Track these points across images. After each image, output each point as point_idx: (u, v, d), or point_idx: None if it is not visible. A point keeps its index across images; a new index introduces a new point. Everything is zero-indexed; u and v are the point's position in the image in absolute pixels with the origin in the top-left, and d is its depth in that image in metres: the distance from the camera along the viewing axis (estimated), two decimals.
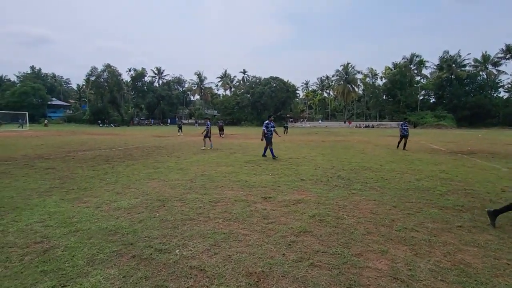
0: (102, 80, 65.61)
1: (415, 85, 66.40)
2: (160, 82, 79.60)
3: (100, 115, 62.04)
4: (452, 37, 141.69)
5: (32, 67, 77.93)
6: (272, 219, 4.13)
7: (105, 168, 8.27)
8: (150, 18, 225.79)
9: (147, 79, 77.02)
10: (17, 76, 76.00)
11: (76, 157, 10.66)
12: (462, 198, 5.36)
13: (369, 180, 6.88)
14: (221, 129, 24.94)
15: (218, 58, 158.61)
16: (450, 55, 62.19)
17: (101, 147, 14.88)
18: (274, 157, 10.42)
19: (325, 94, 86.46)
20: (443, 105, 61.20)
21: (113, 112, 65.87)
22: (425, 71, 68.19)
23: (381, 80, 71.29)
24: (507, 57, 58.03)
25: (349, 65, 70.02)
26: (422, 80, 68.90)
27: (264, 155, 10.97)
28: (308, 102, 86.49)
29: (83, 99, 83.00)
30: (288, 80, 70.32)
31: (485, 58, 60.29)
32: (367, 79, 73.19)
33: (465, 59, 61.56)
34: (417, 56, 66.06)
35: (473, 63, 61.74)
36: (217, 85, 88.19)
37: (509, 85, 62.33)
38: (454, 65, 60.99)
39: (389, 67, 68.73)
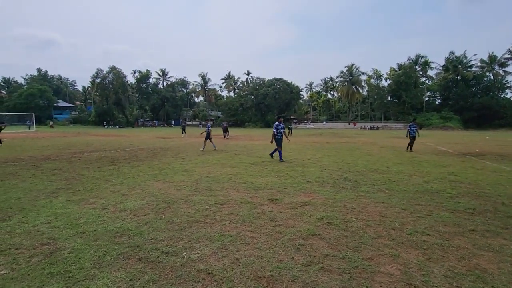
0: (107, 82, 66.27)
1: (420, 86, 65.84)
2: (165, 83, 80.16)
3: (105, 117, 62.62)
4: (458, 38, 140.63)
5: (39, 69, 79.02)
6: (279, 222, 4.07)
7: (110, 169, 8.28)
8: (155, 20, 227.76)
9: (151, 80, 77.67)
10: (24, 78, 77.15)
11: (82, 158, 10.72)
12: (473, 201, 5.24)
13: (377, 182, 6.78)
14: (225, 131, 24.93)
15: (222, 59, 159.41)
16: (456, 55, 61.58)
17: (106, 148, 14.96)
18: (281, 159, 10.25)
19: (329, 96, 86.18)
20: (449, 106, 60.51)
21: (118, 113, 66.45)
22: (430, 72, 67.64)
23: (386, 81, 70.89)
24: None
25: (354, 66, 69.80)
26: (427, 81, 68.31)
27: (271, 155, 10.81)
28: (312, 104, 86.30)
29: (88, 100, 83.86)
30: (292, 82, 70.41)
31: (492, 59, 59.55)
32: (372, 80, 72.81)
33: (471, 60, 60.90)
34: (422, 57, 65.54)
35: (479, 64, 60.99)
36: (221, 87, 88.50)
37: None
38: (460, 66, 60.35)
39: (393, 68, 68.25)
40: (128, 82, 72.83)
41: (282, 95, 66.73)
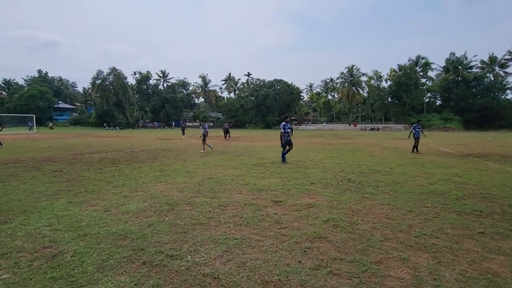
0: (107, 83, 66.32)
1: (421, 87, 65.80)
2: (165, 85, 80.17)
3: (105, 118, 62.63)
4: (458, 38, 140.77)
5: (39, 71, 79.09)
6: (284, 224, 4.01)
7: (112, 171, 8.23)
8: (155, 20, 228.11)
9: (152, 82, 77.74)
10: (25, 80, 77.24)
11: (83, 160, 10.66)
12: (480, 202, 5.18)
13: (381, 183, 6.72)
14: (226, 132, 24.86)
15: (222, 60, 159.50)
16: (457, 56, 61.56)
17: (107, 149, 14.91)
18: (283, 160, 10.14)
19: (330, 97, 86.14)
20: (450, 107, 60.44)
21: (119, 115, 66.46)
22: (431, 73, 67.62)
23: (386, 82, 70.84)
24: None
25: (354, 67, 69.73)
26: (428, 82, 68.29)
27: (283, 159, 10.27)
28: (313, 105, 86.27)
29: (89, 102, 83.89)
30: (292, 83, 70.42)
31: (492, 59, 59.55)
32: (372, 81, 72.74)
33: (471, 61, 60.87)
34: (422, 58, 65.55)
35: (479, 65, 60.99)
36: (221, 88, 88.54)
37: None
38: (460, 67, 60.32)
39: (394, 69, 68.22)
40: (129, 83, 72.89)
41: (282, 96, 66.72)
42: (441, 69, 64.67)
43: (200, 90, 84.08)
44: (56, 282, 2.54)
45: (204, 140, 14.05)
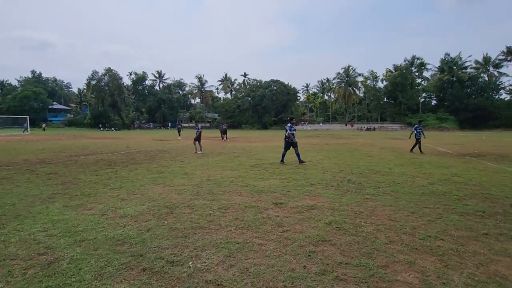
0: (103, 84, 65.77)
1: (416, 88, 66.29)
2: (161, 85, 79.75)
3: (101, 119, 62.08)
4: (453, 39, 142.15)
5: (33, 72, 78.18)
6: (287, 227, 3.93)
7: (108, 173, 8.08)
8: (151, 21, 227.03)
9: (147, 82, 77.25)
10: (18, 81, 76.29)
11: (78, 162, 10.48)
12: (481, 203, 5.15)
13: (381, 184, 6.68)
14: (224, 133, 24.71)
15: (218, 60, 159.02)
16: (451, 57, 62.13)
17: (103, 151, 14.71)
18: (282, 161, 10.11)
19: (326, 97, 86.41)
20: (445, 107, 60.97)
21: (114, 116, 65.91)
22: (426, 74, 68.17)
23: (382, 83, 71.28)
24: (508, 59, 57.92)
25: (350, 67, 70.06)
26: (423, 82, 68.81)
27: (300, 161, 10.05)
28: (309, 105, 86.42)
29: (84, 103, 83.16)
30: (288, 83, 70.38)
31: (486, 60, 60.22)
32: (368, 81, 73.12)
33: (466, 61, 61.51)
34: (418, 58, 66.03)
35: (474, 65, 61.65)
36: (217, 88, 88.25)
37: (511, 87, 62.29)
38: (455, 67, 60.90)
39: (390, 69, 68.69)
40: (124, 84, 72.35)
41: (279, 96, 66.70)
42: (436, 69, 65.27)
43: (196, 91, 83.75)
44: None
45: (198, 140, 13.86)
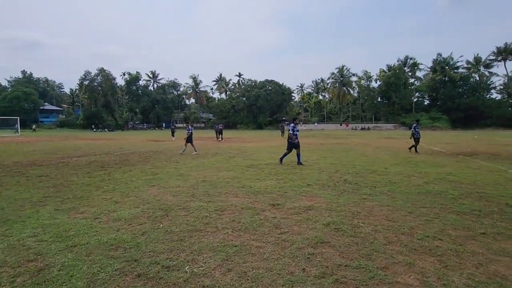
0: (95, 84, 64.98)
1: (409, 87, 67.02)
2: (155, 86, 79.18)
3: (93, 120, 61.32)
4: (445, 40, 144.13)
5: (23, 72, 76.88)
6: (284, 229, 3.87)
7: (101, 175, 7.93)
8: (144, 22, 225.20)
9: (141, 83, 76.65)
10: (8, 81, 74.91)
11: (70, 164, 10.28)
12: (477, 202, 5.17)
13: (377, 184, 6.67)
14: (220, 133, 24.55)
15: (213, 61, 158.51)
16: (443, 57, 62.99)
17: (96, 152, 14.48)
18: (280, 162, 9.96)
19: (320, 97, 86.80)
20: (437, 106, 61.77)
21: (107, 116, 65.16)
22: (419, 73, 68.97)
23: (376, 83, 71.91)
24: (498, 59, 59.05)
25: (344, 67, 70.48)
26: (416, 82, 69.61)
27: (299, 162, 9.77)
28: (304, 105, 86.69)
29: (76, 103, 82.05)
30: (283, 83, 70.53)
31: (477, 60, 61.22)
32: (362, 81, 73.67)
33: (457, 61, 62.43)
34: (411, 59, 66.75)
35: (465, 65, 62.65)
36: (212, 89, 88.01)
37: (501, 87, 63.42)
38: (447, 67, 61.74)
39: (383, 69, 69.35)
40: (118, 84, 71.61)
41: (273, 96, 66.77)
42: (429, 69, 66.09)
43: (191, 91, 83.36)
44: None
45: (190, 141, 13.67)
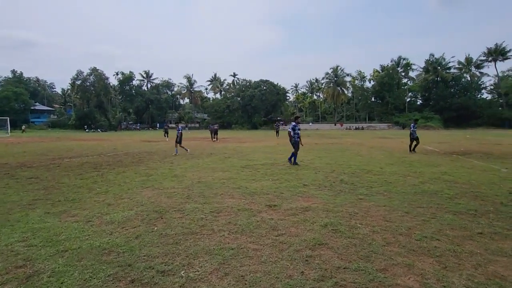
0: (88, 84, 64.08)
1: (403, 87, 67.72)
2: (149, 86, 78.48)
3: (86, 120, 60.47)
4: (437, 40, 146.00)
5: (13, 71, 75.12)
6: (282, 230, 3.81)
7: (94, 177, 7.77)
8: (138, 21, 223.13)
9: (135, 82, 75.88)
10: None
11: (61, 165, 10.07)
12: (473, 201, 5.19)
13: (374, 184, 6.67)
14: (215, 133, 24.39)
15: (207, 61, 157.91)
16: (436, 57, 63.78)
17: (88, 153, 14.24)
18: (295, 163, 9.54)
19: (315, 97, 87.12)
20: (430, 106, 62.53)
21: (100, 116, 64.32)
22: (411, 74, 69.71)
23: (370, 83, 72.45)
24: (488, 60, 59.98)
25: (339, 67, 70.81)
26: (409, 82, 70.36)
27: (295, 163, 9.58)
28: (298, 105, 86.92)
29: (68, 103, 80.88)
30: (278, 83, 70.58)
31: (468, 60, 62.16)
32: (356, 81, 74.15)
33: (449, 62, 63.29)
34: (404, 59, 67.43)
35: (457, 66, 63.56)
36: (206, 89, 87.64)
37: (491, 87, 64.56)
38: (439, 68, 62.54)
39: (377, 69, 69.89)
40: (111, 84, 70.73)
41: (268, 96, 66.77)
42: (421, 69, 66.85)
43: (185, 91, 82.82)
44: None
45: (179, 142, 13.46)
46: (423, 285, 2.55)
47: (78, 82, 63.70)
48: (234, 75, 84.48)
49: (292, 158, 9.79)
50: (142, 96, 72.91)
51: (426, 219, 4.26)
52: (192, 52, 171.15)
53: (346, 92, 72.67)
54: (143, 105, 73.19)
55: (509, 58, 57.95)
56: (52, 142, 23.94)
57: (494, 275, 2.71)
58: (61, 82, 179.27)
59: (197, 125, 75.08)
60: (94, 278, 2.64)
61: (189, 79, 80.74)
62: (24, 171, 8.71)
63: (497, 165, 9.38)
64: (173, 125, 67.10)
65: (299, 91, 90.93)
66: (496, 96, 62.88)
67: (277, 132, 30.75)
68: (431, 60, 63.96)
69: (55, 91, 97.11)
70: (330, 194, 5.73)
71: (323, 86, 77.59)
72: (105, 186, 6.55)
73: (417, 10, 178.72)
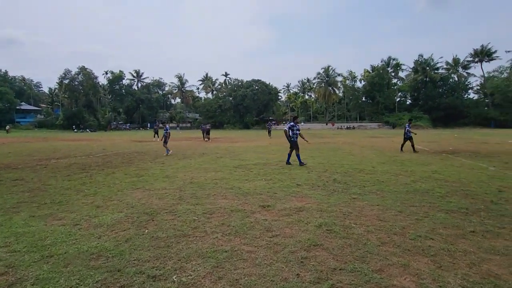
0: (76, 83, 62.77)
1: (393, 87, 68.70)
2: (139, 85, 77.31)
3: (74, 120, 59.20)
4: (426, 41, 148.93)
5: None
6: (276, 232, 3.76)
7: (82, 178, 7.56)
8: (129, 21, 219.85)
9: (125, 82, 74.66)
10: None
11: (48, 166, 9.77)
12: (463, 200, 5.25)
13: (366, 183, 6.68)
14: (207, 133, 24.19)
15: (199, 60, 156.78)
16: (424, 58, 64.94)
17: (76, 154, 13.89)
18: (301, 163, 9.36)
19: (307, 97, 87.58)
20: (419, 106, 63.66)
21: (89, 116, 63.09)
22: (401, 74, 70.92)
23: (360, 83, 73.23)
24: (475, 61, 61.50)
25: (330, 67, 71.33)
26: (398, 82, 71.49)
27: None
28: (290, 105, 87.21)
29: (55, 103, 78.94)
30: (270, 83, 70.64)
31: (456, 61, 63.56)
32: (347, 81, 74.88)
33: (438, 62, 64.51)
34: (393, 59, 68.43)
35: (445, 66, 64.89)
36: (198, 88, 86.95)
37: (478, 87, 66.21)
38: (428, 68, 63.71)
39: (367, 70, 70.69)
40: (100, 83, 69.43)
41: (260, 96, 66.74)
42: (411, 70, 68.00)
43: (176, 91, 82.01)
44: None
45: (165, 142, 13.16)
46: (419, 285, 2.53)
47: (66, 81, 62.34)
48: (226, 74, 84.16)
49: (291, 159, 9.78)
50: (132, 95, 71.82)
51: (419, 218, 4.28)
52: (183, 52, 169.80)
53: (337, 92, 73.29)
54: (133, 105, 72.12)
55: (495, 59, 59.70)
56: (38, 142, 23.30)
57: (489, 274, 2.72)
58: (48, 81, 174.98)
59: (189, 125, 74.45)
60: (81, 285, 2.52)
61: (180, 78, 80.00)
62: (9, 173, 8.41)
63: (485, 164, 9.57)
64: (161, 126, 66.55)
65: (291, 91, 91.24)
66: (482, 96, 64.50)
67: (269, 132, 30.71)
68: (420, 60, 65.12)
69: (42, 90, 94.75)
70: (324, 194, 5.70)
71: (314, 86, 78.10)
72: (93, 188, 6.36)
73: (406, 11, 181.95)
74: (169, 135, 13.43)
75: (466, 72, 64.23)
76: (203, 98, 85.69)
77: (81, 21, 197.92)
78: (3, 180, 7.32)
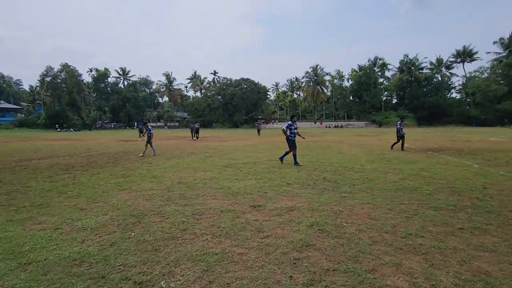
0: (59, 81, 60.77)
1: (379, 87, 69.99)
2: (126, 83, 75.63)
3: (57, 119, 57.30)
4: (411, 41, 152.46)
5: None
6: (267, 232, 3.68)
7: (65, 179, 7.26)
8: (115, 18, 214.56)
9: (110, 80, 72.86)
10: None
11: (29, 167, 9.36)
12: (450, 197, 5.34)
13: (356, 181, 6.71)
14: (196, 132, 23.87)
15: (187, 59, 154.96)
16: (410, 58, 66.44)
17: (59, 154, 13.40)
18: (296, 163, 9.23)
19: (295, 95, 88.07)
20: (405, 105, 65.12)
21: (73, 115, 61.17)
22: (387, 73, 72.27)
23: (348, 82, 74.23)
24: (457, 61, 63.41)
25: (318, 66, 71.97)
26: (385, 82, 72.88)
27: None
28: (279, 104, 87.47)
29: (37, 101, 76.13)
30: (259, 82, 70.57)
31: (439, 61, 65.33)
32: (335, 80, 75.74)
33: (422, 62, 66.08)
34: (380, 59, 69.71)
35: (429, 66, 66.58)
36: (186, 87, 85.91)
37: (460, 87, 68.33)
38: (413, 68, 65.22)
39: (355, 69, 71.71)
40: (84, 81, 67.50)
41: (249, 95, 66.58)
42: (396, 69, 69.43)
43: (164, 89, 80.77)
44: None
45: (149, 142, 12.77)
46: (412, 284, 2.52)
47: (48, 79, 60.28)
48: (215, 73, 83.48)
49: (289, 158, 9.70)
50: (118, 94, 70.17)
51: (409, 215, 4.30)
52: (170, 50, 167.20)
53: (325, 91, 74.06)
54: (119, 103, 70.48)
55: (476, 60, 61.73)
56: (19, 142, 22.39)
57: (479, 271, 2.73)
58: (28, 78, 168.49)
59: (177, 124, 73.48)
60: None
61: (168, 76, 78.83)
62: None
63: (469, 161, 9.83)
64: (153, 124, 65.39)
65: (280, 90, 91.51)
66: (464, 96, 66.60)
67: (258, 130, 30.66)
68: (405, 60, 66.55)
69: (22, 88, 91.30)
70: (314, 193, 5.68)
71: (303, 85, 78.61)
72: (77, 189, 6.11)
73: (392, 12, 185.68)
74: (152, 135, 13.06)
75: (449, 72, 66.17)
76: (191, 97, 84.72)
77: (63, 17, 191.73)
78: None
